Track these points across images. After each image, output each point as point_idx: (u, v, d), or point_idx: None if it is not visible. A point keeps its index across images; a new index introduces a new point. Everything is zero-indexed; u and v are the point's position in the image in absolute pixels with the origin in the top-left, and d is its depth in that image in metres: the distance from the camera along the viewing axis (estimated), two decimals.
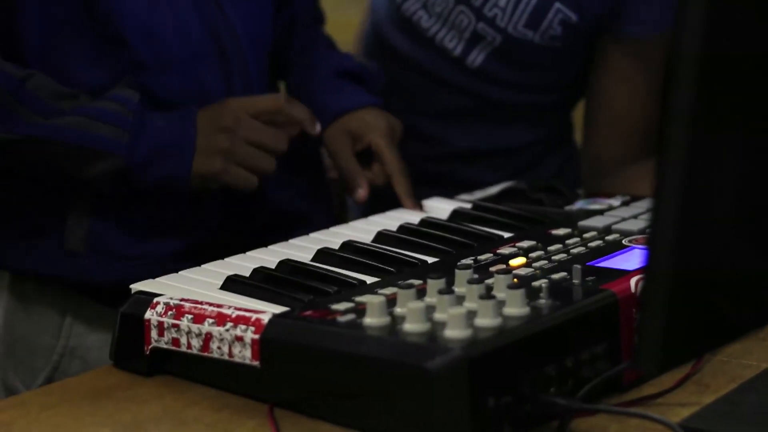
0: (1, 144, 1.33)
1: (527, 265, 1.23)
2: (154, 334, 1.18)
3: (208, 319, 1.14)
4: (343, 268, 1.25)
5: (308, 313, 1.11)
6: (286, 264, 1.26)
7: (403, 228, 1.39)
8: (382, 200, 1.56)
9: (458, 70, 1.73)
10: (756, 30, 0.94)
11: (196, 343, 1.15)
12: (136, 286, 1.23)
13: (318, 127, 1.47)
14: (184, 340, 1.16)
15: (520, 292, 1.08)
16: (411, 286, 1.10)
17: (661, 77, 1.70)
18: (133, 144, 1.35)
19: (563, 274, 1.18)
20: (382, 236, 1.37)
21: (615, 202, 1.49)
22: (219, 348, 1.13)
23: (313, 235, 1.40)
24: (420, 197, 1.55)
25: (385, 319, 1.07)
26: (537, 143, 1.79)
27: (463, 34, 1.70)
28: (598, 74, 1.73)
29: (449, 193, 1.58)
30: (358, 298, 1.13)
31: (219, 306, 1.15)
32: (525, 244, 1.31)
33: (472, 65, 1.71)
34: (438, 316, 1.07)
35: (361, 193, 1.52)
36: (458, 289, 1.12)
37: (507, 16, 1.67)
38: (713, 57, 0.89)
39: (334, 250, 1.31)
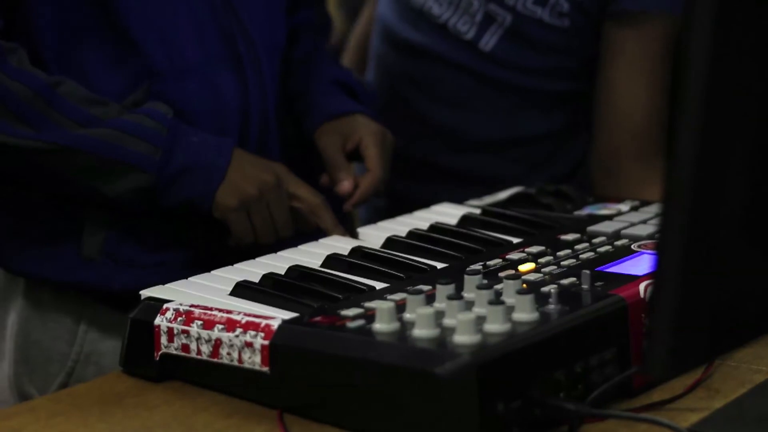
0: (30, 152, 1.33)
1: (536, 270, 1.23)
2: (163, 340, 1.18)
3: (217, 325, 1.14)
4: (353, 274, 1.25)
5: (317, 318, 1.11)
6: (295, 270, 1.26)
7: (412, 233, 1.39)
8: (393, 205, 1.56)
9: (473, 55, 1.75)
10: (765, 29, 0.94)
11: (205, 349, 1.15)
12: (145, 292, 1.23)
13: None
14: (193, 346, 1.16)
15: (529, 298, 1.08)
16: (420, 291, 1.11)
17: (665, 66, 1.71)
18: (164, 161, 1.35)
19: (572, 279, 1.18)
20: (391, 242, 1.37)
21: (624, 207, 1.49)
22: (229, 354, 1.13)
23: (323, 240, 1.40)
24: (437, 194, 1.55)
25: (394, 325, 1.07)
26: (552, 134, 1.80)
27: (474, 17, 1.73)
28: (604, 63, 1.74)
29: (467, 189, 1.58)
30: (368, 304, 1.13)
31: (229, 312, 1.15)
32: (534, 249, 1.31)
33: (485, 48, 1.74)
34: (447, 321, 1.07)
35: (346, 185, 1.50)
36: (467, 295, 1.12)
37: None
38: (722, 59, 0.89)
39: (343, 255, 1.31)
